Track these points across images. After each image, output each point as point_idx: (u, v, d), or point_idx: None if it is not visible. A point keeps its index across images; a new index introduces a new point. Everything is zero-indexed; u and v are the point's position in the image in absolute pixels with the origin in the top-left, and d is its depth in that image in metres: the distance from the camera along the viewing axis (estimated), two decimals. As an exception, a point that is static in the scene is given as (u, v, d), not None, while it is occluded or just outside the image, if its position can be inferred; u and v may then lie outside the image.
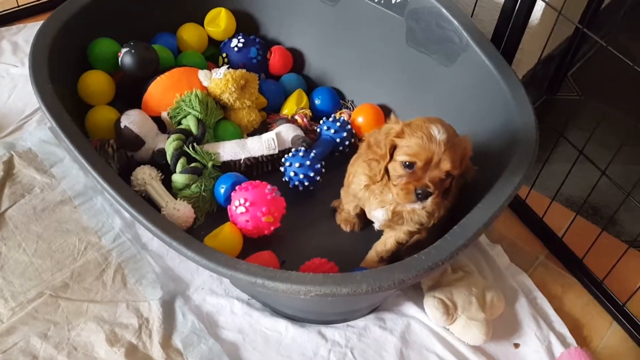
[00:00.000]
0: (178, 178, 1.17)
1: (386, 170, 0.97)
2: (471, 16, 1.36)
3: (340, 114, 1.40)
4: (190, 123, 1.24)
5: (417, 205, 0.95)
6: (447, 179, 0.94)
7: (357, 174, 1.05)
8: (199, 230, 1.17)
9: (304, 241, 1.19)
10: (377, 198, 1.03)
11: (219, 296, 1.10)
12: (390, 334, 1.08)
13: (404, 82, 1.34)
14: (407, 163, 0.93)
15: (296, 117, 1.38)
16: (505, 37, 1.23)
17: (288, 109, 1.40)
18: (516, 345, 1.09)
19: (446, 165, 0.90)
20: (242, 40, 1.45)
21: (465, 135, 0.96)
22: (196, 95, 1.26)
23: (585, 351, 1.06)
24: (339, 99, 1.46)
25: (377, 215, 1.06)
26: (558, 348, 1.08)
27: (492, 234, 1.26)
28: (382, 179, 0.97)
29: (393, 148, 0.95)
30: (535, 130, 1.03)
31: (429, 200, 0.92)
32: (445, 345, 1.07)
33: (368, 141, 1.00)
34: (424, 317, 1.09)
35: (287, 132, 1.30)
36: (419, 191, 0.91)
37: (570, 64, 1.63)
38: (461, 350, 1.06)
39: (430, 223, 1.04)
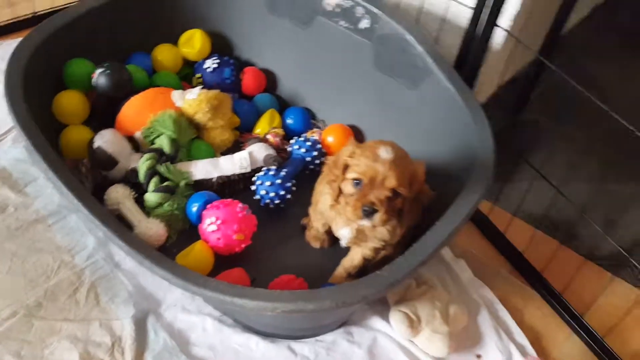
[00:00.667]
0: (150, 197, 1.20)
1: (341, 190, 1.02)
2: (435, 41, 1.43)
3: (311, 133, 1.44)
4: (163, 142, 1.26)
5: (366, 222, 0.99)
6: (397, 199, 0.99)
7: (323, 194, 1.10)
8: (172, 249, 1.19)
9: (274, 258, 1.22)
10: (343, 217, 1.07)
11: (191, 313, 1.13)
12: (357, 347, 1.11)
13: (372, 103, 1.39)
14: (355, 181, 0.99)
15: (268, 136, 1.41)
16: (468, 61, 1.29)
17: (261, 128, 1.44)
18: (478, 357, 1.13)
19: (390, 183, 0.96)
20: (216, 61, 1.49)
21: (420, 161, 1.02)
22: (170, 116, 1.28)
23: (542, 362, 1.11)
24: (310, 119, 1.50)
25: (343, 233, 1.10)
26: (518, 359, 1.12)
27: (455, 248, 1.30)
28: (337, 198, 1.02)
29: (346, 168, 1.00)
30: (492, 152, 1.08)
31: (376, 218, 0.97)
32: (411, 357, 1.10)
33: (329, 163, 1.05)
34: (390, 330, 1.13)
35: (259, 151, 1.34)
36: (365, 208, 0.97)
37: (533, 86, 1.70)
38: (426, 362, 1.11)
39: (393, 240, 1.08)
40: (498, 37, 1.35)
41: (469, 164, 1.10)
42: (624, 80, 1.91)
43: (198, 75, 1.49)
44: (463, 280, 1.24)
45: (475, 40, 1.23)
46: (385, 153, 0.97)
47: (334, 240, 1.23)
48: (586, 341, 1.20)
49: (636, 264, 1.14)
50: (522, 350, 1.14)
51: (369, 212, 0.97)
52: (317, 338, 1.11)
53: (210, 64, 1.48)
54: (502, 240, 1.34)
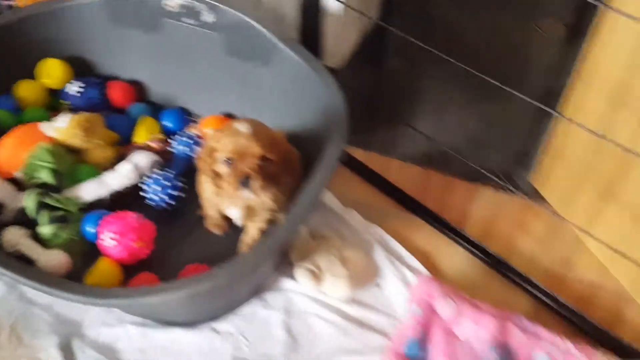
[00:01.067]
0: (45, 230, 1.23)
1: (217, 173, 1.11)
2: (281, 19, 1.53)
3: (189, 129, 1.51)
4: (44, 175, 1.29)
5: (247, 193, 1.09)
6: (268, 165, 1.09)
7: (203, 183, 1.18)
8: (81, 272, 1.22)
9: (181, 254, 1.29)
10: (227, 198, 1.16)
11: (113, 326, 1.18)
12: (274, 311, 1.22)
13: (237, 89, 1.47)
14: (226, 161, 1.08)
15: (149, 142, 1.47)
16: (310, 31, 1.39)
17: (139, 137, 1.49)
18: (378, 285, 1.27)
19: (255, 151, 1.06)
20: (80, 84, 1.50)
21: (279, 130, 1.12)
22: (45, 149, 1.31)
23: (431, 276, 1.26)
24: (186, 117, 1.56)
25: (233, 213, 1.20)
26: (412, 279, 1.28)
27: (343, 199, 1.43)
28: (217, 183, 1.11)
29: (214, 152, 1.09)
30: (343, 110, 1.20)
31: (254, 185, 1.07)
32: (322, 304, 1.23)
33: (200, 155, 1.14)
34: (298, 287, 1.25)
35: (142, 159, 1.39)
36: (241, 180, 1.06)
37: (388, 38, 1.84)
38: (336, 305, 1.23)
39: (279, 207, 1.19)
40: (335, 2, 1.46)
41: (327, 124, 1.22)
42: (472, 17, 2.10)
43: (65, 102, 1.51)
44: (354, 225, 1.37)
45: (309, 10, 1.34)
46: (243, 128, 1.07)
47: (233, 222, 1.32)
48: (469, 249, 1.36)
49: (495, 178, 1.32)
50: (415, 271, 1.29)
51: (245, 182, 1.07)
52: (235, 312, 1.21)
53: (74, 87, 1.50)
54: (382, 181, 1.48)
